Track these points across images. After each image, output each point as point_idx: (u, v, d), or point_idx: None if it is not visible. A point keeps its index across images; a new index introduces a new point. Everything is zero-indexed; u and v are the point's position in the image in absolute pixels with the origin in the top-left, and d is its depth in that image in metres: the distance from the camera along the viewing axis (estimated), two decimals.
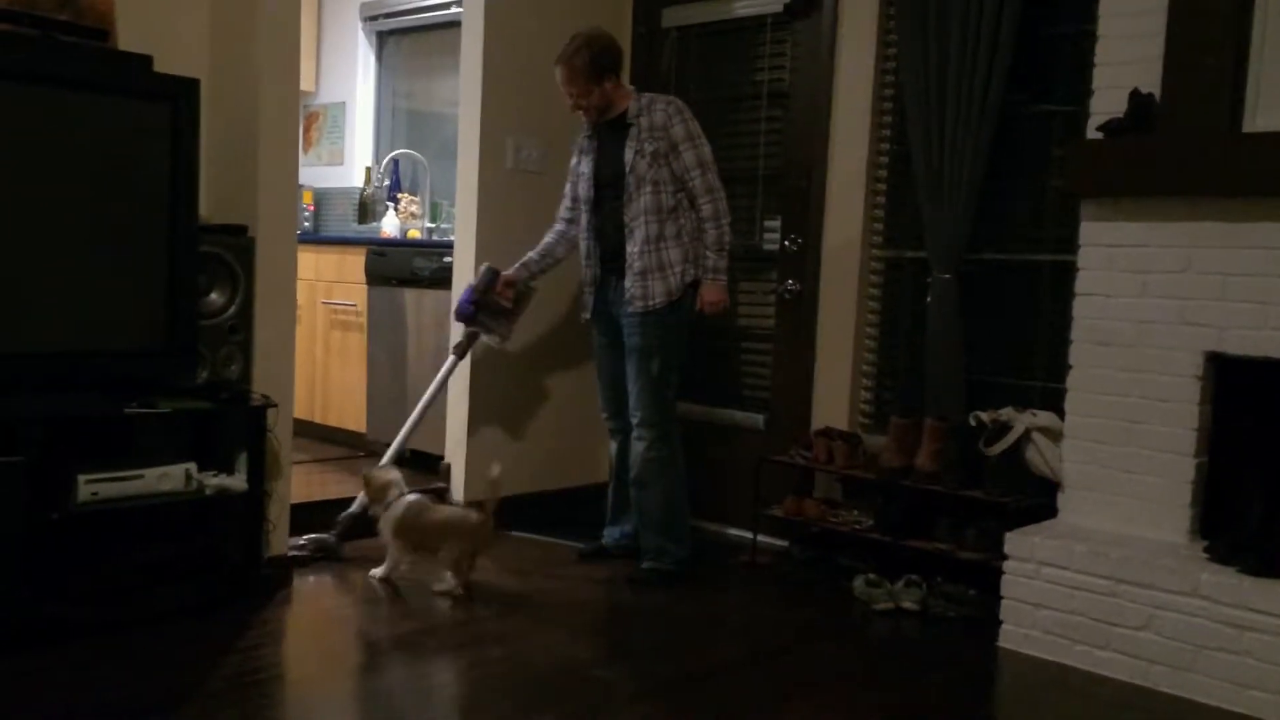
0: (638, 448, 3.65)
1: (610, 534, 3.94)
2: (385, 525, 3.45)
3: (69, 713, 2.43)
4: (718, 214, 3.58)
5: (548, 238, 3.90)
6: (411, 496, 3.49)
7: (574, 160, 3.81)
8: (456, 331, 4.06)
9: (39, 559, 2.79)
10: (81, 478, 2.86)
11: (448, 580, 3.37)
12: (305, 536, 3.62)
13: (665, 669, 2.92)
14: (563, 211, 3.88)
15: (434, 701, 2.71)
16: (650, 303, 3.57)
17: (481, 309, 3.85)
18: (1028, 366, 3.66)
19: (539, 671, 2.84)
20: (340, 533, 3.73)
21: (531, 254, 3.90)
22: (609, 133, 3.66)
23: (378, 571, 3.47)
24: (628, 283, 3.59)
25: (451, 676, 2.87)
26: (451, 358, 3.94)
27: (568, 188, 3.85)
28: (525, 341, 4.33)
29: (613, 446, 3.93)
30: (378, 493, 3.50)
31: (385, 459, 3.84)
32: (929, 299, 3.74)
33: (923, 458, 3.54)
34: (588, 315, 3.79)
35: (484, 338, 3.94)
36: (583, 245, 3.77)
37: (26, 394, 2.82)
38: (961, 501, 3.45)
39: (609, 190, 3.65)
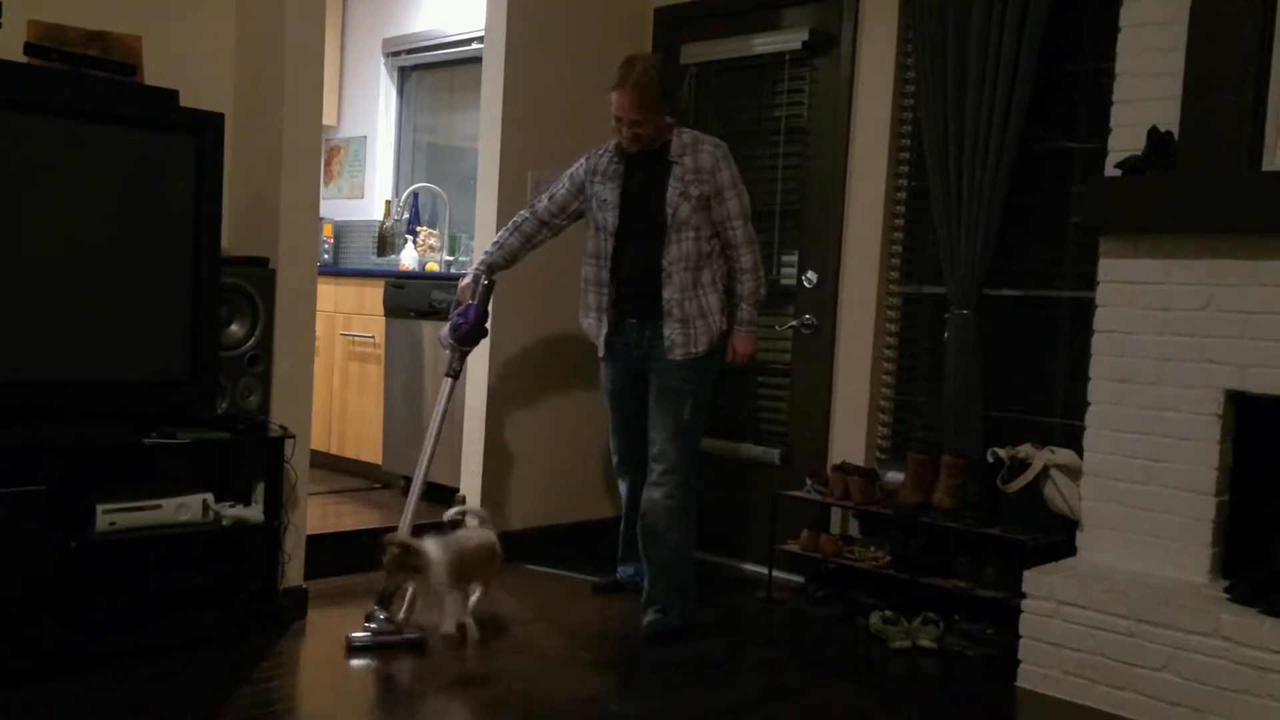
0: (653, 494, 3.46)
1: (624, 571, 3.91)
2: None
3: None
4: (756, 265, 3.47)
5: (512, 239, 3.66)
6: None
7: (583, 174, 3.58)
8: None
9: (57, 588, 2.80)
10: (100, 507, 2.88)
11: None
12: (368, 626, 3.20)
13: (681, 706, 2.89)
14: (540, 211, 3.64)
15: None
16: (694, 350, 3.41)
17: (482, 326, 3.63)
18: (1047, 403, 3.64)
19: (554, 708, 2.82)
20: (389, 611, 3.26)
21: (495, 254, 3.66)
22: (643, 164, 3.47)
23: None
24: (667, 329, 3.41)
25: (467, 712, 2.85)
26: (448, 381, 3.59)
27: (561, 190, 3.62)
28: (540, 375, 4.34)
29: (623, 486, 3.82)
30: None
31: (410, 505, 3.48)
32: (947, 335, 3.73)
33: (940, 494, 3.52)
34: (603, 353, 3.63)
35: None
36: (592, 272, 3.56)
37: (48, 423, 2.84)
38: (979, 539, 3.42)
39: (638, 226, 3.46)
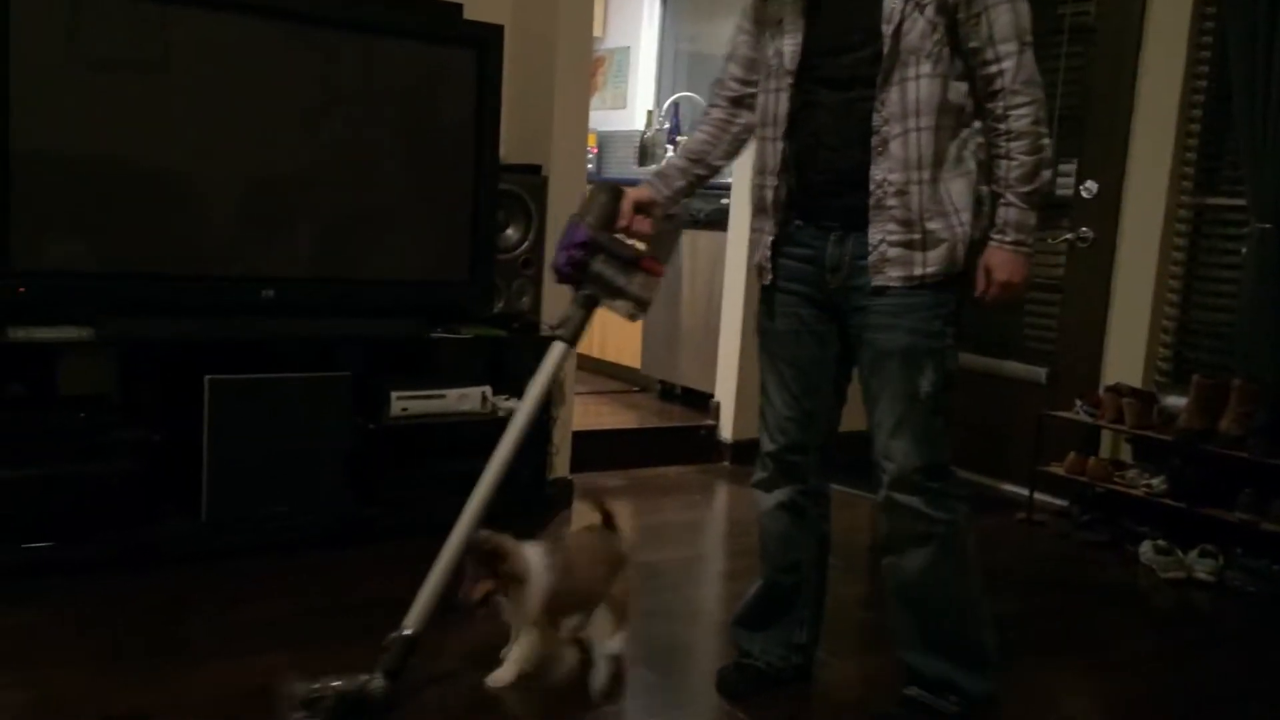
0: (903, 518, 2.12)
1: (761, 644, 2.39)
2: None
3: (381, 597, 2.70)
4: (1039, 123, 2.00)
5: (700, 132, 2.28)
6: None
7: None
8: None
9: (355, 466, 3.10)
10: (394, 394, 3.14)
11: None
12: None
13: None
14: (729, 85, 2.24)
15: (688, 622, 2.80)
16: (921, 270, 2.02)
17: (599, 257, 2.17)
18: None
19: None
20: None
21: (673, 159, 2.31)
22: None
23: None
24: (874, 235, 2.03)
25: (713, 604, 2.95)
26: (560, 346, 2.22)
27: (741, 40, 2.20)
28: None
29: (765, 501, 2.32)
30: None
31: (439, 570, 2.31)
32: (1245, 250, 3.44)
33: (1227, 421, 3.29)
34: (770, 278, 2.21)
35: (605, 304, 2.21)
36: (770, 153, 2.12)
37: (349, 317, 3.11)
38: (1269, 470, 3.18)
39: (834, 65, 2.04)
